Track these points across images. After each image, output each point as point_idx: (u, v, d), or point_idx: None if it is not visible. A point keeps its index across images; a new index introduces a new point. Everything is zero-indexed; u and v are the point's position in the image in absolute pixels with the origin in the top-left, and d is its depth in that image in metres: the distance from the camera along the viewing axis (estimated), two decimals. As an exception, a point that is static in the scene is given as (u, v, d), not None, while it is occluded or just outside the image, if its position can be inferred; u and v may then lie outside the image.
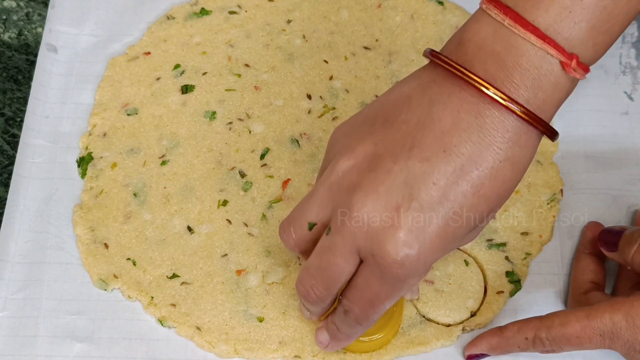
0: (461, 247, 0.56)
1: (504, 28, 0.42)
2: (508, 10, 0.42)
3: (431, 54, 0.44)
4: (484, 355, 0.51)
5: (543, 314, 0.48)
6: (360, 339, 0.51)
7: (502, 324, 0.50)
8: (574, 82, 0.43)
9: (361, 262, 0.44)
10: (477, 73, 0.42)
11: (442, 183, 0.42)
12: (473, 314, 0.54)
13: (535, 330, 0.48)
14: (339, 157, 0.44)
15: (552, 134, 0.44)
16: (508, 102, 0.41)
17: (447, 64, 0.42)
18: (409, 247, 0.42)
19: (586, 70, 0.43)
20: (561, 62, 0.41)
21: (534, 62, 0.41)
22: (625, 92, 0.62)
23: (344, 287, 0.46)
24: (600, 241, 0.52)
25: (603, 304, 0.46)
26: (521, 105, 0.41)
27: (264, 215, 0.56)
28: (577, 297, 0.52)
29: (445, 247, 0.43)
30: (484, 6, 0.43)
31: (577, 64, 0.42)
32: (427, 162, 0.42)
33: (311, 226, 0.46)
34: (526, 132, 0.42)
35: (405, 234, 0.42)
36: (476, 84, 0.41)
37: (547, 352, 0.48)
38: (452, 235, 0.43)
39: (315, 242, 0.46)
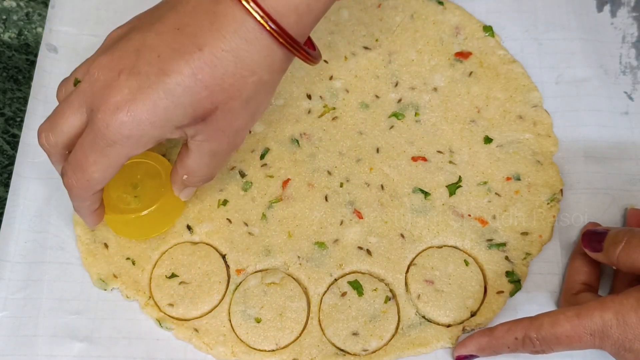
0: (461, 247, 0.56)
1: None
2: None
3: None
4: (473, 356, 0.51)
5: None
6: (115, 215, 0.52)
7: (501, 322, 0.50)
8: None
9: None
10: None
11: (164, 57, 0.44)
12: (473, 314, 0.54)
13: (526, 330, 0.48)
14: (115, 28, 0.48)
15: (288, 42, 0.45)
16: None
17: None
18: (116, 108, 0.44)
19: None
20: None
21: None
22: (625, 92, 0.62)
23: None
24: (584, 242, 0.52)
25: (593, 302, 0.46)
26: (254, 1, 0.43)
27: (264, 215, 0.57)
28: (568, 298, 0.52)
29: (156, 123, 0.44)
30: None
31: None
32: (160, 36, 0.44)
33: (76, 82, 0.48)
34: (254, 28, 0.44)
35: (117, 96, 0.44)
36: None
37: (537, 352, 0.48)
38: (164, 112, 0.44)
39: None
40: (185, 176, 0.50)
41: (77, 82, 0.48)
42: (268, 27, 0.44)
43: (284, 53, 0.46)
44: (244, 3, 0.43)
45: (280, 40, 0.45)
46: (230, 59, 0.44)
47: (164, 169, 0.53)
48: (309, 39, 0.49)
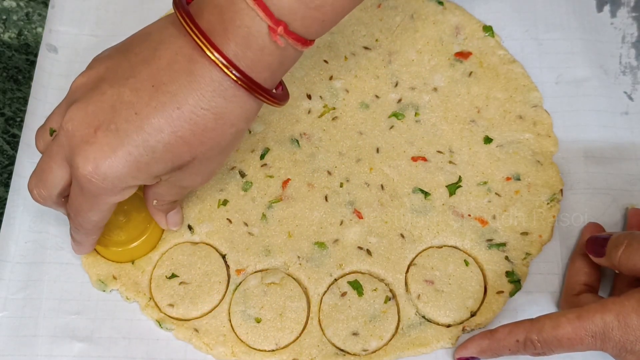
0: (461, 247, 0.56)
1: None
2: None
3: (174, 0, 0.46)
4: (473, 358, 0.51)
5: (543, 314, 0.48)
6: (106, 247, 0.54)
7: (502, 324, 0.50)
8: (285, 50, 0.45)
9: None
10: (201, 22, 0.44)
11: (143, 114, 0.44)
12: (473, 314, 0.54)
13: (527, 333, 0.48)
14: (79, 75, 0.48)
15: (264, 96, 0.46)
16: (212, 52, 0.44)
17: (177, 10, 0.45)
18: (95, 164, 0.44)
19: (300, 41, 0.45)
20: (269, 26, 0.43)
21: (245, 21, 0.43)
22: (625, 92, 0.62)
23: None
24: (588, 247, 0.52)
25: (594, 304, 0.46)
26: (228, 59, 0.44)
27: (264, 215, 0.57)
28: (568, 299, 0.52)
29: (136, 176, 0.46)
30: None
31: (286, 32, 0.44)
32: (136, 93, 0.45)
33: (52, 132, 0.49)
34: (232, 87, 0.45)
35: (95, 152, 0.44)
36: (190, 32, 0.44)
37: (538, 354, 0.48)
38: (145, 167, 0.45)
39: None
40: (155, 201, 0.52)
41: (52, 132, 0.48)
42: (246, 87, 0.45)
43: (258, 103, 0.47)
44: (223, 68, 0.44)
45: (258, 96, 0.46)
46: (210, 116, 0.45)
47: None
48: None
